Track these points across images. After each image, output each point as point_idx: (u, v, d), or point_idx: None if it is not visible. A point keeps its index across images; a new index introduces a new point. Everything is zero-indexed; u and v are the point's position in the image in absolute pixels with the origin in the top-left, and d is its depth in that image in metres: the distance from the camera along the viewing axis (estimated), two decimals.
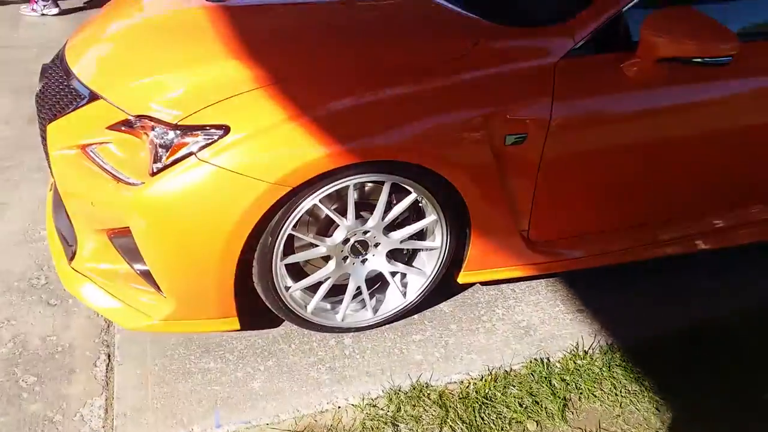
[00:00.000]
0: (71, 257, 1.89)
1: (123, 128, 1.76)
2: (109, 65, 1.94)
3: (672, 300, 2.37)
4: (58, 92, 1.90)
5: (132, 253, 1.76)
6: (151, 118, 1.70)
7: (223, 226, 1.65)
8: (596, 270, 2.34)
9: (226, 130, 1.62)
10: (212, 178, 1.60)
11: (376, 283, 2.10)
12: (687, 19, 1.88)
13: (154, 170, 1.64)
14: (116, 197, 1.68)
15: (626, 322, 2.25)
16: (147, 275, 1.78)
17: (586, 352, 2.12)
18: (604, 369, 2.06)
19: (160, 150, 1.66)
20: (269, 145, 1.61)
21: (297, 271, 1.97)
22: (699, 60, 1.87)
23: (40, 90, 1.96)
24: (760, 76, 2.15)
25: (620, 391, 1.99)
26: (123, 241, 1.77)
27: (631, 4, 1.90)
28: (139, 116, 1.72)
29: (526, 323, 2.22)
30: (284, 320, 2.06)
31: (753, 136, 2.20)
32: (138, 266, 1.80)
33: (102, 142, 1.77)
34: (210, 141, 1.62)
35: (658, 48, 1.86)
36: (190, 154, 1.62)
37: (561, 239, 2.21)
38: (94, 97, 1.82)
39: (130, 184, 1.68)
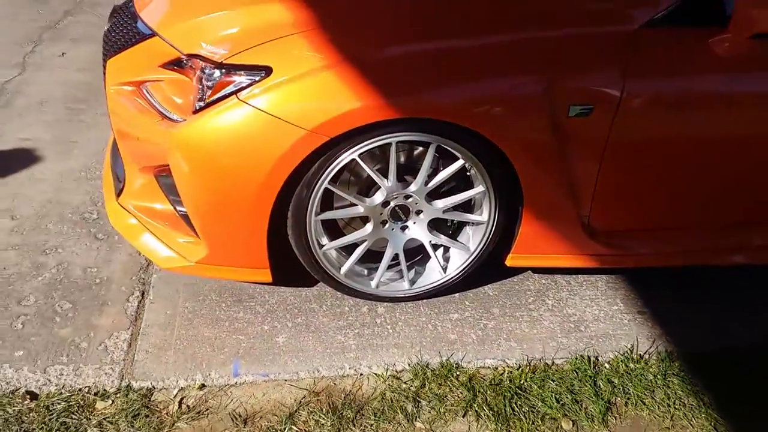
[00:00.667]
0: (119, 193, 1.93)
1: (175, 67, 1.76)
2: (170, 5, 1.96)
3: (745, 314, 2.11)
4: (123, 31, 1.94)
5: (175, 193, 1.77)
6: (200, 57, 1.69)
7: (258, 172, 1.61)
8: (664, 272, 2.14)
9: (268, 71, 1.58)
10: (250, 120, 1.57)
11: (417, 255, 2.01)
12: None
13: (197, 108, 1.63)
14: (159, 133, 1.68)
15: (692, 331, 2.03)
16: (186, 217, 1.78)
17: (641, 357, 1.92)
18: (659, 377, 1.86)
19: (205, 88, 1.65)
20: (309, 90, 1.55)
21: (336, 232, 1.91)
22: None
23: (107, 29, 2.01)
24: None
25: (674, 403, 1.79)
26: (167, 180, 1.78)
27: None
28: (189, 55, 1.72)
29: (578, 318, 2.04)
30: (319, 281, 2.01)
31: None
32: (180, 208, 1.81)
33: (155, 80, 1.79)
34: (252, 82, 1.58)
35: (756, 22, 1.64)
36: (233, 93, 1.59)
37: (626, 231, 2.02)
38: (151, 33, 1.84)
39: (173, 120, 1.68)
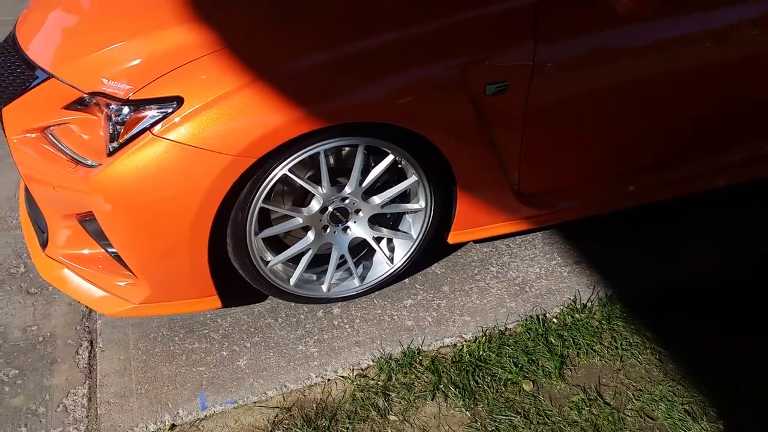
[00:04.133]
0: (44, 244, 1.84)
1: (79, 107, 1.67)
2: (60, 41, 1.83)
3: (674, 250, 2.27)
4: (11, 73, 1.80)
5: (103, 237, 1.70)
6: (104, 95, 1.60)
7: (188, 205, 1.57)
8: (594, 221, 2.25)
9: (179, 101, 1.52)
10: (170, 155, 1.51)
11: (362, 250, 2.03)
12: None
13: (110, 150, 1.56)
14: (76, 180, 1.60)
15: (627, 273, 2.17)
16: (119, 258, 1.72)
17: (584, 306, 2.04)
18: (603, 322, 1.99)
19: (116, 128, 1.57)
20: (226, 114, 1.51)
21: (277, 243, 1.90)
22: None
23: None
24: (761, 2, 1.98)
25: (620, 344, 1.92)
26: (93, 225, 1.71)
27: None
28: (92, 93, 1.63)
29: (522, 279, 2.14)
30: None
31: (754, 69, 2.05)
32: (111, 250, 1.74)
33: (60, 123, 1.69)
34: (164, 115, 1.52)
35: None
36: (146, 129, 1.53)
37: (554, 190, 2.11)
38: (48, 76, 1.73)
39: (87, 166, 1.60)
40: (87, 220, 1.72)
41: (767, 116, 2.22)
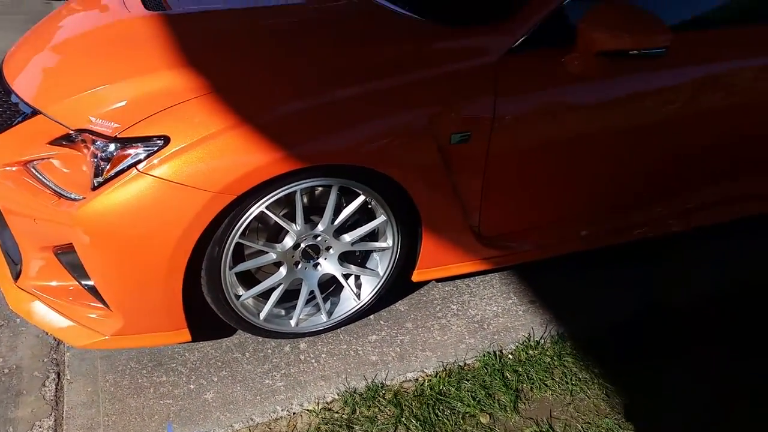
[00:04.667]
0: (17, 276, 1.85)
1: (64, 143, 1.72)
2: (48, 79, 1.90)
3: (622, 288, 2.44)
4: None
5: (78, 269, 1.73)
6: (91, 132, 1.67)
7: (168, 239, 1.63)
8: (549, 261, 2.40)
9: (166, 140, 1.60)
10: (154, 191, 1.59)
11: (330, 286, 2.11)
12: (623, 13, 1.94)
13: (95, 184, 1.62)
14: (58, 213, 1.65)
15: (577, 310, 2.32)
16: (94, 291, 1.76)
17: (538, 343, 2.17)
18: (555, 358, 2.12)
19: (101, 164, 1.64)
20: (210, 153, 1.60)
21: (248, 278, 1.97)
22: (636, 52, 1.92)
23: None
24: (696, 65, 2.20)
25: (570, 380, 2.05)
26: (69, 257, 1.74)
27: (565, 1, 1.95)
28: (79, 130, 1.69)
29: (480, 317, 2.26)
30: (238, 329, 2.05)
31: (692, 123, 2.27)
32: (85, 282, 1.77)
33: (43, 158, 1.74)
34: (150, 152, 1.60)
35: (596, 42, 1.90)
36: (131, 166, 1.60)
37: (512, 232, 2.25)
38: (33, 112, 1.78)
39: (71, 199, 1.65)
40: (63, 252, 1.75)
41: (711, 167, 2.45)
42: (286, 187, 1.73)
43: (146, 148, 1.61)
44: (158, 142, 1.60)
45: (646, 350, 2.18)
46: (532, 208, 2.24)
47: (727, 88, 2.28)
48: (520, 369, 2.07)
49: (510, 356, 2.12)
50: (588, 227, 2.36)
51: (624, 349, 2.18)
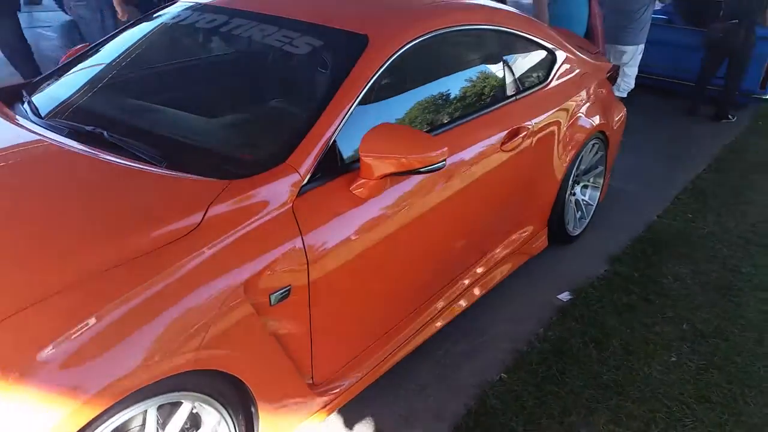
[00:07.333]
0: None
1: None
2: None
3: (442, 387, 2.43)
4: None
5: None
6: None
7: None
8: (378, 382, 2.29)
9: None
10: None
11: None
12: (396, 136, 1.89)
13: None
14: None
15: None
16: None
17: None
18: None
19: None
20: None
21: None
22: (415, 171, 1.89)
23: None
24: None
25: None
26: None
27: (338, 130, 1.90)
28: None
29: None
30: None
31: (464, 202, 2.41)
32: None
33: None
34: None
35: (375, 169, 1.86)
36: None
37: (340, 370, 2.10)
38: None
39: None
40: None
41: (486, 237, 2.66)
42: None
43: None
44: None
45: None
46: (357, 337, 2.15)
47: (476, 166, 2.42)
48: None
49: None
50: (414, 326, 2.37)
51: None
